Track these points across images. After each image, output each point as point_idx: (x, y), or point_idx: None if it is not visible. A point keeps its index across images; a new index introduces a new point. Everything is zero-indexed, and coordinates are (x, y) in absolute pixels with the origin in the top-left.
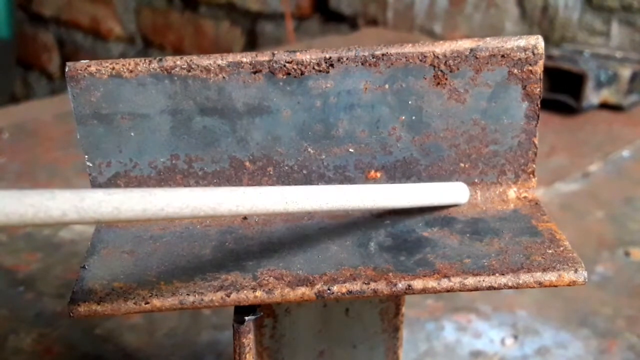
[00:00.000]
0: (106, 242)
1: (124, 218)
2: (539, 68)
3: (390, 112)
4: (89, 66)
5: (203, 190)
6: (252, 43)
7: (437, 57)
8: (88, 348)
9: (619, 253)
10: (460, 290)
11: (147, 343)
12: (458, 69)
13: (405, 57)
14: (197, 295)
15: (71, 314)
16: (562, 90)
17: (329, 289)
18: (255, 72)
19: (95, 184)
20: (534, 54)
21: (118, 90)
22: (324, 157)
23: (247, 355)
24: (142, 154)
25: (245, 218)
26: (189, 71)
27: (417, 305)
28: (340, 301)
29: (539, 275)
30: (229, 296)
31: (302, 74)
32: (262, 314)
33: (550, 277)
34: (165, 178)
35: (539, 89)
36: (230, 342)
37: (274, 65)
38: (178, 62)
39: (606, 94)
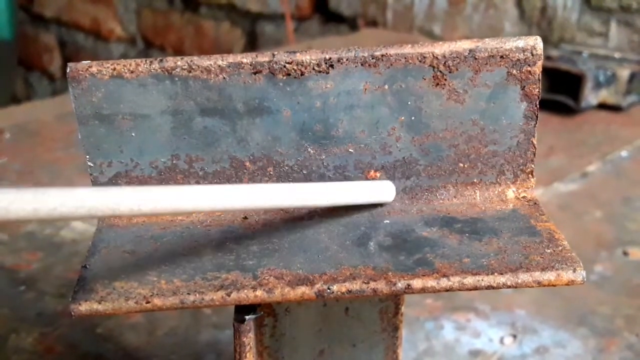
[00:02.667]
0: (107, 241)
1: (14, 218)
2: (537, 69)
3: (390, 112)
4: (90, 67)
5: (100, 190)
6: (252, 44)
7: (437, 58)
8: (89, 347)
9: (617, 253)
10: (459, 290)
11: (148, 342)
12: (457, 69)
13: (405, 58)
14: (197, 295)
15: (72, 313)
16: (560, 91)
17: (328, 289)
18: (255, 73)
19: (96, 184)
20: (532, 54)
21: (119, 91)
22: (324, 157)
23: (248, 354)
24: (143, 154)
25: (245, 217)
26: (189, 72)
27: (417, 304)
28: (340, 300)
29: (537, 275)
30: (229, 295)
31: (302, 74)
32: (262, 313)
33: (549, 276)
34: (166, 178)
35: (537, 90)
36: (231, 341)
37: (274, 65)
38: (179, 63)
39: (605, 95)
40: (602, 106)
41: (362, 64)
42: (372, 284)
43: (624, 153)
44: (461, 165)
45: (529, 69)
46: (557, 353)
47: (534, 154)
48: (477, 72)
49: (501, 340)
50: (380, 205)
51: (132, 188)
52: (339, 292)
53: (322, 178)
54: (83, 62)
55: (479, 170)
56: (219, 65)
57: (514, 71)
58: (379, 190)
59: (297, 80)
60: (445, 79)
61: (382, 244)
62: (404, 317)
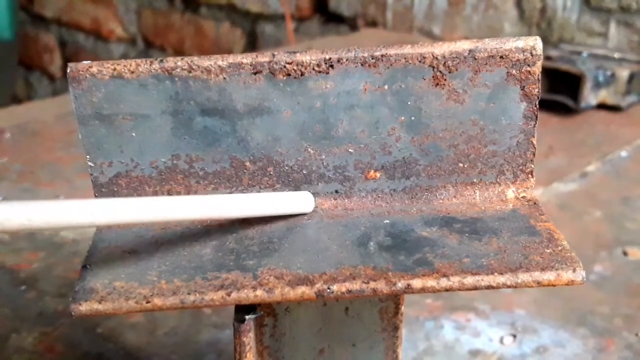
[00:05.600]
0: (107, 241)
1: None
2: (537, 69)
3: (390, 112)
4: (90, 67)
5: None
6: (252, 44)
7: (436, 58)
8: (89, 347)
9: (616, 252)
10: (459, 290)
11: (148, 342)
12: (457, 69)
13: (405, 58)
14: (197, 294)
15: (73, 313)
16: (560, 91)
17: (328, 288)
18: (255, 73)
19: (96, 184)
20: (532, 54)
21: (119, 91)
22: (323, 157)
23: (248, 354)
24: (143, 154)
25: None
26: (189, 72)
27: (417, 304)
28: (340, 300)
29: (537, 275)
30: (229, 295)
31: (302, 74)
32: (262, 313)
33: (549, 276)
34: (166, 178)
35: (537, 90)
36: (231, 340)
37: (274, 66)
38: (179, 63)
39: (604, 95)
40: (602, 106)
41: (362, 64)
42: (372, 284)
43: (623, 153)
44: (461, 165)
45: (528, 69)
46: (556, 353)
47: (534, 154)
48: (476, 72)
49: (501, 340)
50: (302, 214)
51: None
52: (339, 292)
53: (321, 178)
54: (83, 62)
55: (479, 170)
56: (219, 66)
57: (514, 71)
58: (298, 201)
59: (297, 80)
60: (445, 79)
61: (382, 244)
62: (404, 317)
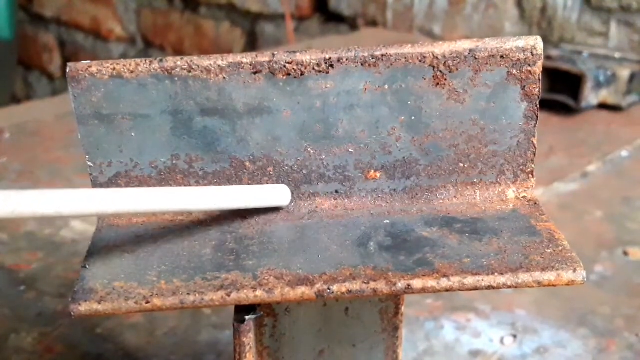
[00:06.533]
0: (107, 241)
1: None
2: (537, 68)
3: (390, 112)
4: (90, 67)
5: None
6: (252, 44)
7: (437, 58)
8: (89, 347)
9: (617, 253)
10: (459, 290)
11: (148, 342)
12: (457, 69)
13: (405, 58)
14: (197, 295)
15: (72, 313)
16: (561, 91)
17: (328, 289)
18: (255, 73)
19: (96, 184)
20: (532, 54)
21: (119, 91)
22: (324, 157)
23: (248, 355)
24: (142, 154)
25: (245, 216)
26: (189, 72)
27: (417, 304)
28: (340, 300)
29: (537, 275)
30: (229, 295)
31: (302, 74)
32: (262, 313)
33: (549, 276)
34: (166, 178)
35: (537, 90)
36: (231, 341)
37: (274, 65)
38: (179, 63)
39: (605, 95)
40: (603, 106)
41: (362, 64)
42: (372, 284)
43: (624, 153)
44: (461, 165)
45: (529, 68)
46: (557, 353)
47: (534, 154)
48: (477, 72)
49: (501, 341)
50: (278, 208)
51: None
52: (339, 292)
53: (322, 178)
54: (83, 62)
55: (479, 170)
56: (219, 65)
57: (514, 71)
58: (274, 194)
59: (297, 80)
60: (446, 79)
61: (382, 244)
62: (404, 317)
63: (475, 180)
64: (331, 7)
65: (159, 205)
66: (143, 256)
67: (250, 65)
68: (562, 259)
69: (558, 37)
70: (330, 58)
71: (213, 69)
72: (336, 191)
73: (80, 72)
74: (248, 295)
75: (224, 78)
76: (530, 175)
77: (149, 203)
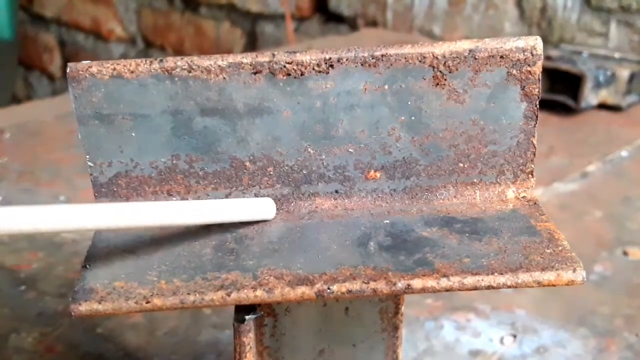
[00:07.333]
0: (107, 241)
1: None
2: (537, 69)
3: (390, 112)
4: (90, 67)
5: None
6: (252, 44)
7: (436, 58)
8: (89, 347)
9: (617, 253)
10: (459, 290)
11: (148, 342)
12: (457, 69)
13: (405, 58)
14: (197, 295)
15: (72, 313)
16: (560, 91)
17: (328, 289)
18: (255, 73)
19: (96, 184)
20: (532, 54)
21: (119, 91)
22: (324, 157)
23: (248, 354)
24: (143, 154)
25: None
26: (189, 72)
27: (417, 304)
28: (340, 300)
29: (537, 275)
30: (229, 295)
31: (302, 74)
32: (262, 313)
33: (549, 276)
34: (166, 178)
35: (537, 90)
36: (231, 341)
37: (274, 65)
38: (179, 63)
39: (605, 95)
40: (602, 106)
41: (362, 64)
42: (372, 284)
43: (624, 153)
44: (461, 165)
45: (529, 69)
46: (557, 353)
47: (534, 154)
48: (477, 72)
49: (501, 340)
50: (263, 221)
51: None
52: (339, 292)
53: (322, 178)
54: (83, 62)
55: (479, 170)
56: (219, 65)
57: (514, 71)
58: (259, 208)
59: (297, 80)
60: (445, 79)
61: (382, 244)
62: (404, 317)
63: (475, 180)
64: (331, 7)
65: (133, 221)
66: (143, 256)
67: (251, 65)
68: (561, 259)
69: (558, 37)
70: (330, 58)
71: (213, 69)
72: (336, 191)
73: (81, 72)
74: (248, 295)
75: (224, 78)
76: (530, 175)
77: (121, 219)
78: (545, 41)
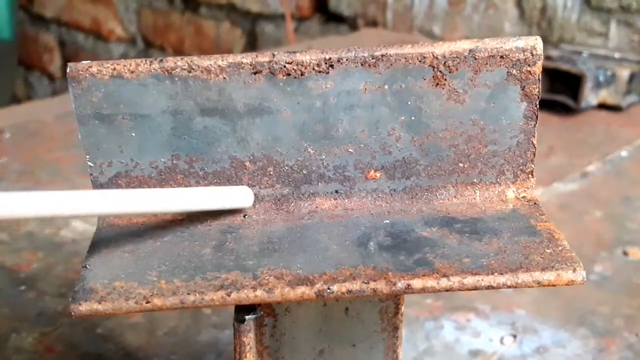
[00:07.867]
0: (107, 241)
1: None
2: (537, 69)
3: (390, 112)
4: (90, 67)
5: None
6: (252, 44)
7: (436, 58)
8: (89, 347)
9: (617, 252)
10: (459, 290)
11: (148, 342)
12: (457, 69)
13: (405, 58)
14: (197, 295)
15: (72, 313)
16: (560, 91)
17: (328, 289)
18: (255, 73)
19: (96, 184)
20: (532, 54)
21: (119, 91)
22: (323, 157)
23: (248, 354)
24: (143, 154)
25: (245, 216)
26: (189, 72)
27: (417, 304)
28: (340, 300)
29: (537, 275)
30: (229, 295)
31: (302, 74)
32: (262, 313)
33: (549, 276)
34: (166, 178)
35: (537, 90)
36: (231, 341)
37: (274, 65)
38: (179, 63)
39: (604, 95)
40: (602, 106)
41: (362, 64)
42: (372, 284)
43: (624, 153)
44: (461, 165)
45: (529, 69)
46: (557, 353)
47: (534, 154)
48: (477, 72)
49: (501, 340)
50: (239, 210)
51: None
52: (339, 292)
53: (322, 178)
54: (83, 62)
55: (479, 170)
56: (219, 65)
57: (514, 71)
58: (236, 195)
59: (297, 80)
60: (445, 79)
61: (382, 244)
62: (404, 317)
63: (475, 180)
64: (331, 7)
65: (106, 208)
66: (143, 256)
67: (250, 65)
68: (561, 259)
69: (558, 37)
70: (330, 58)
71: (213, 69)
72: (336, 191)
73: (81, 72)
74: (248, 295)
75: (224, 78)
76: (530, 175)
77: (95, 206)
78: (545, 41)
